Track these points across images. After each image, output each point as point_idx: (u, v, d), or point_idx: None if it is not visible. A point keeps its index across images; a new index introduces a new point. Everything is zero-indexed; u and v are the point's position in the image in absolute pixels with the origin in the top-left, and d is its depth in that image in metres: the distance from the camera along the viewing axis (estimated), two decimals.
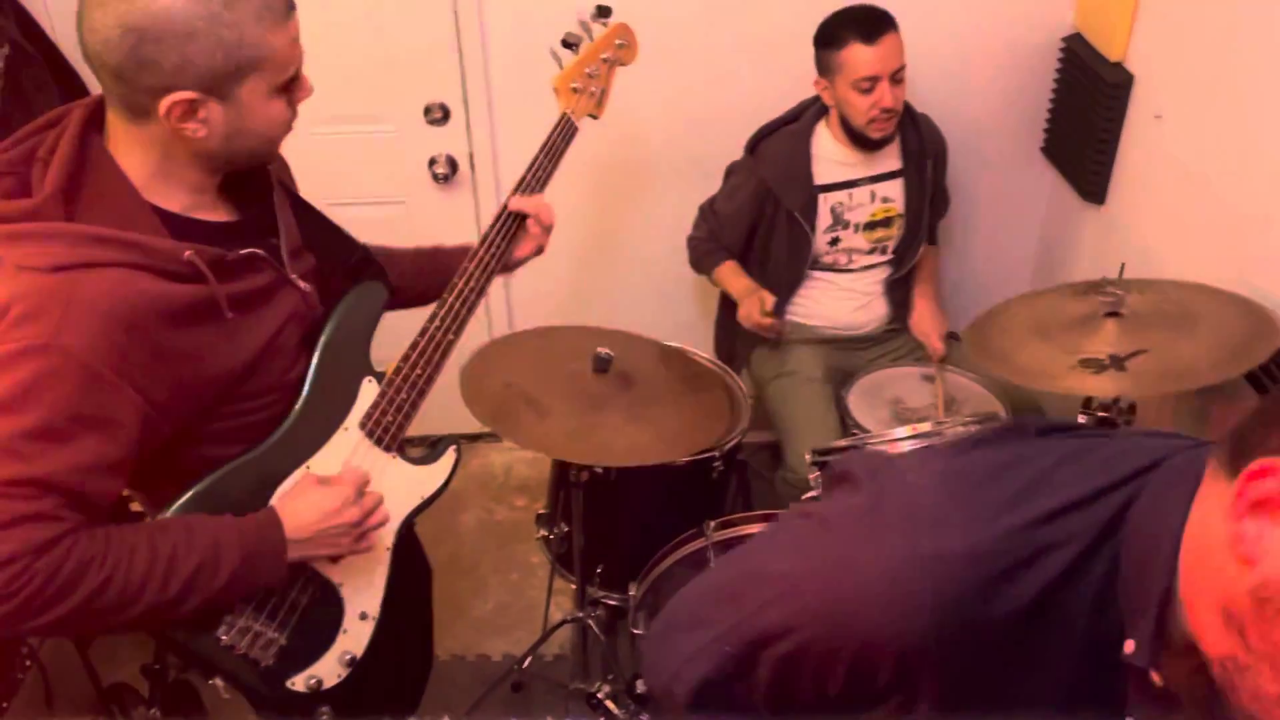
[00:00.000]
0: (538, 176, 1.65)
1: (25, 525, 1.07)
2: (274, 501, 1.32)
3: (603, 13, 1.82)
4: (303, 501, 1.31)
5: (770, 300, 2.29)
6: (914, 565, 0.74)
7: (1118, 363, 1.67)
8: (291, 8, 1.20)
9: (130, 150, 1.19)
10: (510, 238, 1.61)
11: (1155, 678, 0.71)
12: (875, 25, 2.13)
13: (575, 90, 1.76)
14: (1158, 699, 0.72)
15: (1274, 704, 0.64)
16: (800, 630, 0.81)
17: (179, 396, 1.19)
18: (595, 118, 1.81)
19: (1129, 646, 0.72)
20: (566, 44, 1.79)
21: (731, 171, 2.43)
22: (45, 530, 1.08)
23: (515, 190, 1.64)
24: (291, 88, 1.23)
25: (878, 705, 0.81)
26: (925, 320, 2.43)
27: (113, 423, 1.12)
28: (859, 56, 2.12)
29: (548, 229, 1.65)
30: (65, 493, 1.10)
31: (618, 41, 1.84)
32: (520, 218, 1.62)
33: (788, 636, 0.82)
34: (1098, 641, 0.74)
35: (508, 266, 1.64)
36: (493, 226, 1.60)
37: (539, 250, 1.67)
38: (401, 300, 1.59)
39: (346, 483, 1.35)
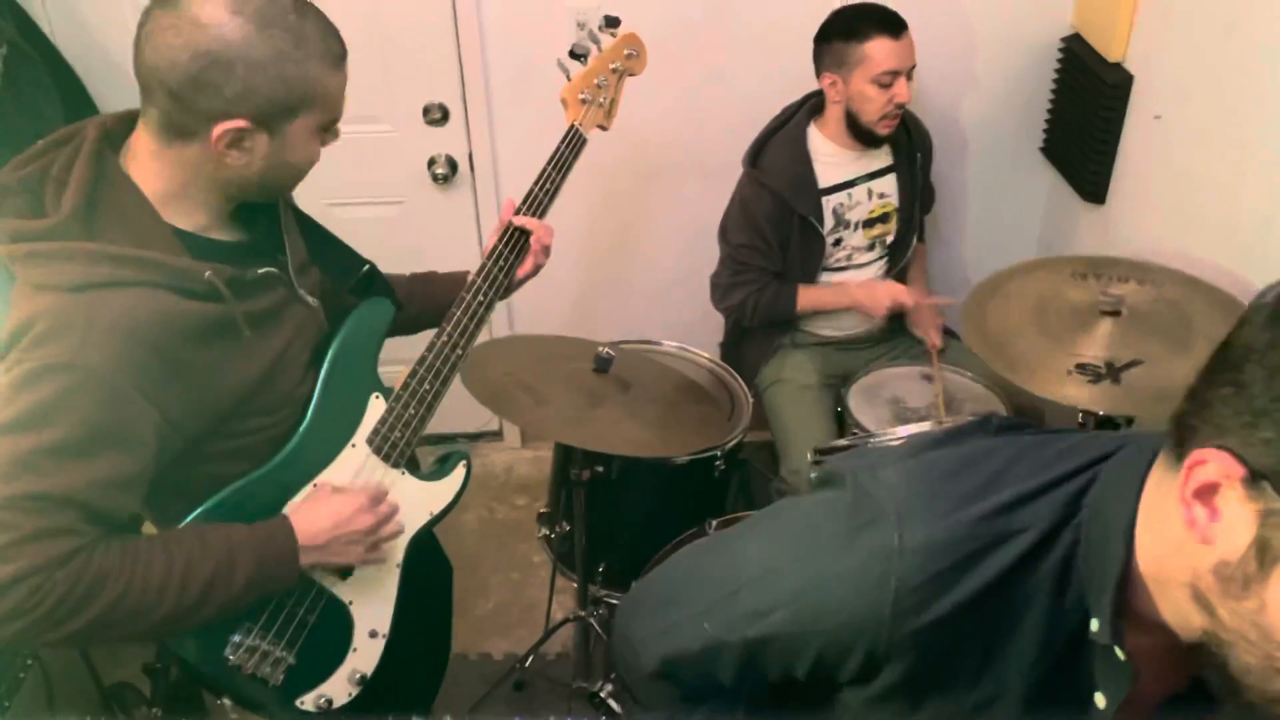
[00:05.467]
0: (545, 190, 1.63)
1: (45, 540, 1.09)
2: (285, 510, 1.33)
3: (611, 23, 1.79)
4: (316, 509, 1.32)
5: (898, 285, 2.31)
6: (880, 558, 0.78)
7: (1113, 373, 1.69)
8: (345, 55, 1.24)
9: (152, 170, 1.20)
10: (517, 252, 1.60)
11: (1120, 654, 0.75)
12: (898, 21, 2.15)
13: (584, 101, 1.73)
14: (1125, 674, 0.75)
15: (1261, 675, 0.67)
16: (773, 614, 0.86)
17: (194, 412, 1.21)
18: (604, 129, 1.78)
19: (1094, 626, 0.76)
20: (574, 55, 1.75)
21: (740, 197, 2.36)
22: (64, 544, 1.10)
23: (520, 207, 1.62)
24: (329, 129, 1.27)
25: (844, 689, 0.86)
26: (921, 311, 2.44)
27: (131, 439, 1.14)
28: (884, 49, 2.13)
29: (546, 249, 1.64)
30: (83, 508, 1.11)
31: (627, 51, 1.81)
32: (523, 234, 1.61)
33: (761, 620, 0.87)
34: (1060, 623, 0.78)
35: (509, 288, 1.63)
36: (499, 240, 1.58)
37: (537, 269, 1.67)
38: (397, 326, 1.57)
39: (360, 491, 1.36)
